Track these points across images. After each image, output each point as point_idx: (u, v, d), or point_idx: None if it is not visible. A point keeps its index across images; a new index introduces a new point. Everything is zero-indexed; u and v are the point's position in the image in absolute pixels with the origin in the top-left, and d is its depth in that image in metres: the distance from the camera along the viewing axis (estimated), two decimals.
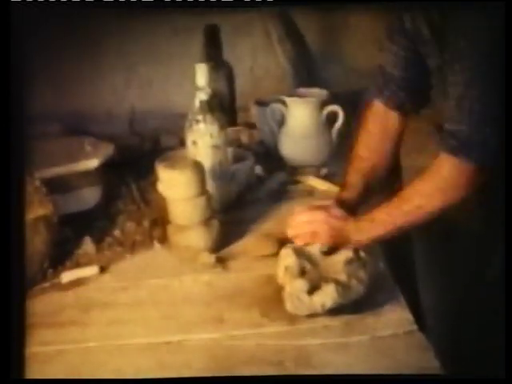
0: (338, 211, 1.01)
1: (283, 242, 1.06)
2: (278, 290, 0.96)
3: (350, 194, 1.06)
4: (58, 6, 0.67)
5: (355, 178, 1.08)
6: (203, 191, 1.12)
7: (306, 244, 1.01)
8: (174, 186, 1.10)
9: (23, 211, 0.70)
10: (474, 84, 0.84)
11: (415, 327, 0.90)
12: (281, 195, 1.31)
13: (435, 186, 0.92)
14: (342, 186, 1.10)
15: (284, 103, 1.42)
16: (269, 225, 1.19)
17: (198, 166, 1.11)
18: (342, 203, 1.04)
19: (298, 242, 1.01)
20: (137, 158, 1.42)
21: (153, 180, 1.19)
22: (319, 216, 1.01)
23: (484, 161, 0.88)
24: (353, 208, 1.04)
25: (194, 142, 1.21)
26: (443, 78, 0.91)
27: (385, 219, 0.96)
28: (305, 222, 1.02)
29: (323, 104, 1.40)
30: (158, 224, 1.18)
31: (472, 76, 0.84)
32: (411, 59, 1.02)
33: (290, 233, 1.02)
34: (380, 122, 1.09)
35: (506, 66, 0.79)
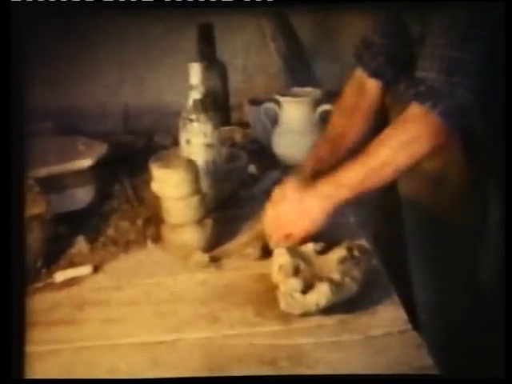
0: (294, 186, 0.98)
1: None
2: (272, 289, 0.96)
3: (317, 164, 1.04)
4: (57, 6, 0.69)
5: (324, 147, 1.05)
6: (197, 190, 1.11)
7: (283, 243, 1.00)
8: (168, 185, 1.10)
9: (23, 211, 0.72)
10: (454, 45, 0.79)
11: (409, 326, 0.90)
12: None
13: (400, 138, 0.86)
14: (310, 156, 1.08)
15: (277, 102, 1.42)
16: (262, 225, 1.16)
17: (191, 165, 1.11)
18: (311, 175, 1.02)
19: (273, 243, 1.00)
20: (130, 157, 1.42)
21: (146, 179, 1.19)
22: (283, 207, 0.98)
23: (452, 117, 0.81)
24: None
25: (188, 141, 1.21)
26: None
27: (351, 179, 0.91)
28: (273, 217, 1.00)
29: (317, 103, 1.40)
30: (152, 223, 1.18)
31: (453, 39, 0.79)
32: (393, 26, 0.99)
33: (267, 232, 1.01)
34: (356, 89, 1.06)
35: (506, 66, 0.79)
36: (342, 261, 0.97)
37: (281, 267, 0.98)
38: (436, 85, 0.82)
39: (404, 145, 0.86)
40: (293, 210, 0.99)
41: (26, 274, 0.73)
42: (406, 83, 0.89)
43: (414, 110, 0.85)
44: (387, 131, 0.89)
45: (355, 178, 0.91)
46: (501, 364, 0.72)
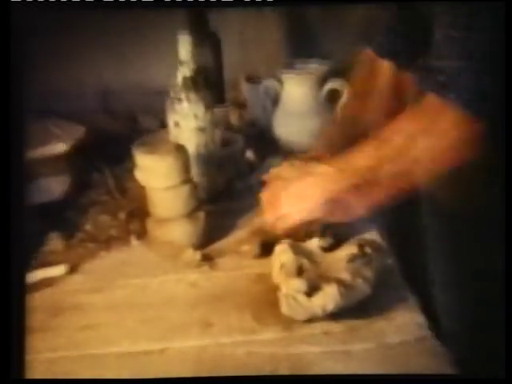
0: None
1: (274, 238, 1.06)
2: (273, 291, 0.97)
3: (324, 147, 1.04)
4: (57, 6, 0.74)
5: (334, 131, 1.05)
6: (187, 179, 1.11)
7: (278, 225, 1.00)
8: (154, 174, 1.09)
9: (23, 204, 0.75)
10: (474, 27, 0.78)
11: (428, 332, 0.90)
12: None
13: (419, 127, 0.85)
14: (319, 142, 1.09)
15: (278, 79, 1.42)
16: (260, 219, 1.16)
17: (181, 151, 1.10)
18: (316, 158, 1.02)
19: (268, 225, 0.99)
20: (111, 142, 1.41)
21: (130, 166, 1.19)
22: (281, 184, 0.98)
23: (477, 108, 0.80)
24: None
25: (177, 124, 1.21)
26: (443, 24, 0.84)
27: (359, 163, 0.90)
28: (269, 195, 1.00)
29: (324, 79, 1.40)
30: (136, 217, 1.19)
31: (467, 21, 0.79)
32: (406, 9, 1.00)
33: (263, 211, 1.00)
34: (368, 70, 1.07)
35: (506, 65, 0.80)
36: (352, 259, 0.97)
37: (282, 266, 0.98)
38: (458, 76, 0.81)
39: (424, 134, 0.85)
40: (291, 189, 0.98)
41: (26, 275, 0.81)
42: (423, 72, 0.88)
43: (435, 100, 0.84)
44: (405, 119, 0.88)
45: (364, 162, 0.90)
46: (501, 364, 0.75)
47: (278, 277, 0.99)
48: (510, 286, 0.78)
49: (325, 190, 0.94)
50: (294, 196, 0.98)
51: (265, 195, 1.03)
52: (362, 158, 0.91)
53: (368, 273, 0.95)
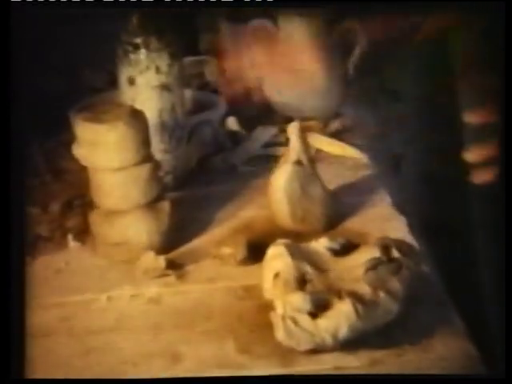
0: None
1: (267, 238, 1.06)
2: (264, 311, 0.96)
3: None
4: (58, 6, 0.89)
5: None
6: (146, 157, 1.11)
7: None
8: (101, 149, 1.08)
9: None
10: None
11: (481, 367, 0.89)
12: (267, 163, 1.31)
13: None
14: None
15: (273, 18, 1.41)
16: (248, 210, 1.20)
17: (137, 118, 1.10)
18: None
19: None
20: (42, 104, 1.38)
21: (67, 139, 1.18)
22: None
23: None
24: None
25: (131, 80, 1.21)
26: None
27: None
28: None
29: (333, 20, 1.40)
30: (75, 209, 1.18)
31: None
32: None
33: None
34: None
35: (506, 66, 0.89)
36: (374, 266, 0.97)
37: (278, 276, 0.98)
38: None
39: None
40: None
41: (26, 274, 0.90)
42: None
43: None
44: None
45: None
46: (501, 364, 0.82)
47: (271, 290, 0.98)
48: (510, 286, 0.85)
49: None
50: None
51: None
52: None
53: (395, 284, 0.95)
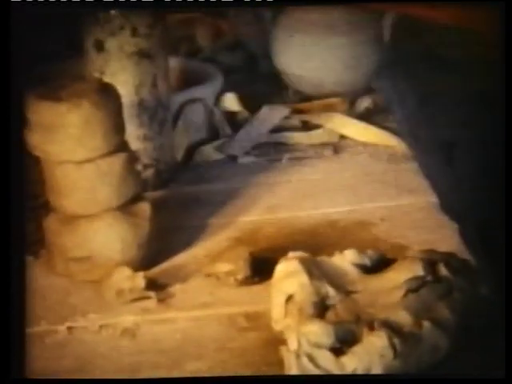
0: None
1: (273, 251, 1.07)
2: (272, 346, 0.96)
3: None
4: (57, 6, 1.01)
5: None
6: (119, 146, 1.11)
7: None
8: (59, 136, 1.08)
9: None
10: None
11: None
12: (275, 153, 1.33)
13: None
14: None
15: None
16: (250, 215, 1.21)
17: (107, 95, 1.10)
18: None
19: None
20: None
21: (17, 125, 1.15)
22: None
23: None
24: None
25: (99, 45, 1.22)
26: None
27: None
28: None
29: None
30: (26, 212, 1.14)
31: None
32: None
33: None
34: None
35: (506, 65, 1.00)
36: (416, 287, 0.97)
37: (290, 299, 0.98)
38: None
39: None
40: None
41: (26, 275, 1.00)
42: None
43: None
44: None
45: None
46: (501, 364, 0.90)
47: (282, 319, 0.98)
48: (510, 286, 0.93)
49: None
50: None
51: None
52: None
53: (443, 311, 0.95)
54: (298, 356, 0.92)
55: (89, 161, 1.09)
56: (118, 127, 1.11)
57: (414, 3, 1.23)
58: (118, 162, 1.11)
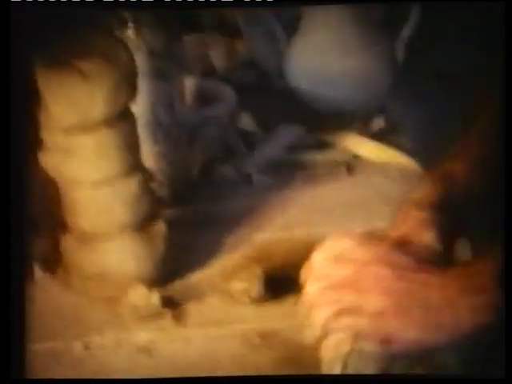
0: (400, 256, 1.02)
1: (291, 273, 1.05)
2: (286, 363, 0.98)
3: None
4: (57, 6, 0.99)
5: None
6: (134, 165, 1.11)
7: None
8: (76, 159, 1.09)
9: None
10: None
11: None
12: (291, 172, 1.33)
13: None
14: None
15: None
16: (265, 232, 1.21)
17: (122, 117, 1.09)
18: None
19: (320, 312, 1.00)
20: None
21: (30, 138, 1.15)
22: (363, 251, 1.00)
23: None
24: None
25: None
26: None
27: None
28: (332, 258, 1.02)
29: None
30: (42, 231, 1.18)
31: None
32: None
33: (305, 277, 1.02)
34: None
35: (506, 65, 1.00)
36: None
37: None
38: None
39: None
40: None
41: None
42: None
43: None
44: None
45: None
46: (501, 364, 0.92)
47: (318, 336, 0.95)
48: (510, 285, 0.93)
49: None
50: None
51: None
52: None
53: None
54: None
55: (104, 182, 1.09)
56: (133, 148, 1.10)
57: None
58: (133, 181, 1.10)
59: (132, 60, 1.08)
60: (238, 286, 1.10)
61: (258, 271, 1.10)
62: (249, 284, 1.10)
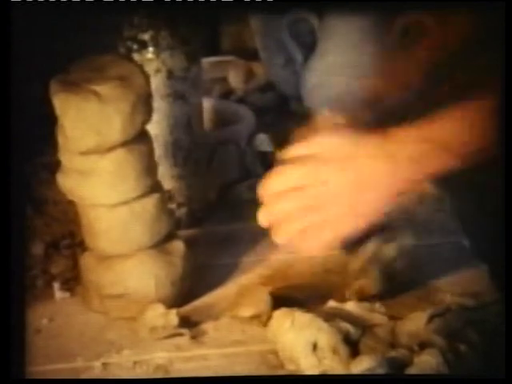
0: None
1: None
2: None
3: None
4: (58, 6, 1.01)
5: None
6: (152, 186, 1.11)
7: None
8: (93, 181, 1.09)
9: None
10: None
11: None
12: None
13: None
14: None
15: (315, 9, 1.42)
16: (282, 252, 1.19)
17: (140, 139, 1.10)
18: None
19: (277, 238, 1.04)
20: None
21: (50, 163, 1.20)
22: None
23: None
24: None
25: None
26: None
27: (439, 133, 1.02)
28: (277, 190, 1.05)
29: (396, 10, 1.39)
30: (62, 250, 1.20)
31: None
32: None
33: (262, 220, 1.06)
34: None
35: (506, 65, 1.00)
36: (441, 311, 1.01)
37: (316, 347, 0.99)
38: None
39: None
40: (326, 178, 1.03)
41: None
42: None
43: None
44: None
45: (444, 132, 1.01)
46: (501, 364, 0.92)
47: (316, 366, 0.98)
48: (510, 286, 0.93)
49: (392, 173, 1.02)
50: (330, 193, 1.02)
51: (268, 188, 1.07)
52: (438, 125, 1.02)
53: (473, 336, 0.97)
54: None
55: (122, 203, 1.09)
56: (151, 169, 1.11)
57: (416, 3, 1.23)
58: (151, 202, 1.11)
59: (148, 82, 1.08)
60: (246, 312, 1.10)
61: (263, 295, 1.10)
62: (256, 309, 1.09)
